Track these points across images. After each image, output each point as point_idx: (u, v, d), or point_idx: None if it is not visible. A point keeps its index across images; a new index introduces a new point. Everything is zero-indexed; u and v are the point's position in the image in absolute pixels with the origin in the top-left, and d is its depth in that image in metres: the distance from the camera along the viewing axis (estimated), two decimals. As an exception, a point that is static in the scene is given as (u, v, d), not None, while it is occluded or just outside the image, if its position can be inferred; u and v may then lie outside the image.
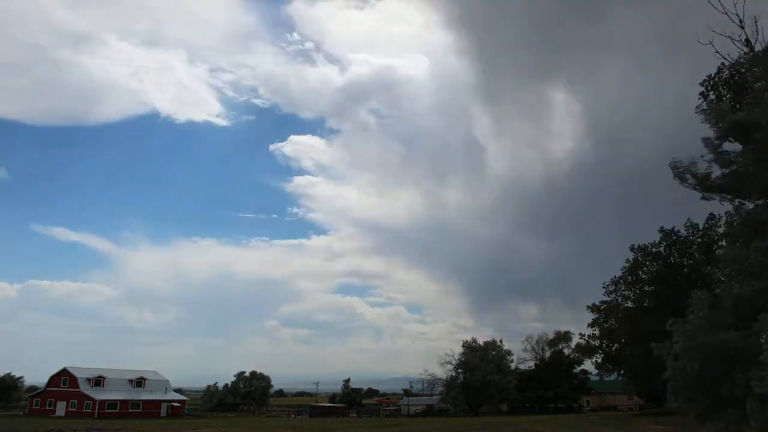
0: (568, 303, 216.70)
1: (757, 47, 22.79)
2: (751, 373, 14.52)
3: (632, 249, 49.99)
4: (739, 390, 15.12)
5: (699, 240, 45.89)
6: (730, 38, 23.70)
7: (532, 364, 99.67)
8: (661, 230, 47.85)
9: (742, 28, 23.24)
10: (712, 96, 28.94)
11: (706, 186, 18.95)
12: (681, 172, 19.03)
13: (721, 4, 23.54)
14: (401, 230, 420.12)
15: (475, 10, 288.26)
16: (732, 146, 19.51)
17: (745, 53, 22.51)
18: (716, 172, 19.07)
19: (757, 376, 14.39)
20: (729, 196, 18.44)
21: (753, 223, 16.82)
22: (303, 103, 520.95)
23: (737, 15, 23.31)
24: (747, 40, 23.55)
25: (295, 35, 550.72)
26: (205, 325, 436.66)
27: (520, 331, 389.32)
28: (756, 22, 23.20)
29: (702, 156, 18.86)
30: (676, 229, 47.74)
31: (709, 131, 19.21)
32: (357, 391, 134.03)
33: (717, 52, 25.13)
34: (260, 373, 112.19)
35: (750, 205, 18.05)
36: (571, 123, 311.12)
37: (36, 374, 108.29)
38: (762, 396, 14.31)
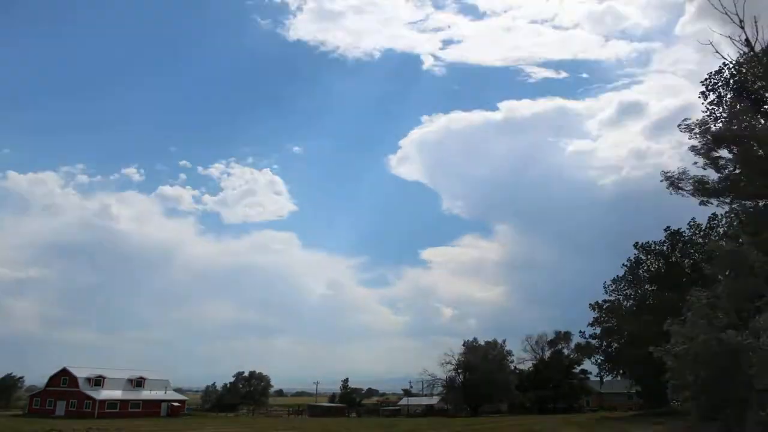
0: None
1: (757, 47, 22.79)
2: (753, 371, 14.57)
3: (635, 246, 49.95)
4: (740, 387, 15.16)
5: (701, 240, 45.85)
6: (730, 38, 23.73)
7: (532, 364, 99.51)
8: (667, 230, 47.78)
9: (742, 28, 23.26)
10: (712, 96, 28.97)
11: (704, 191, 19.04)
12: (675, 181, 19.10)
13: (721, 5, 23.56)
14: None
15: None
16: (722, 152, 19.62)
17: (745, 53, 22.51)
18: (709, 177, 19.17)
19: (758, 372, 14.43)
20: (727, 200, 18.54)
21: (749, 222, 16.90)
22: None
23: (737, 15, 23.33)
24: (747, 40, 23.55)
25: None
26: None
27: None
28: (756, 22, 23.22)
29: (695, 163, 18.98)
30: (680, 230, 47.70)
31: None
32: (357, 391, 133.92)
33: (717, 52, 25.16)
34: (259, 373, 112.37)
35: (748, 205, 18.12)
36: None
37: (36, 374, 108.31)
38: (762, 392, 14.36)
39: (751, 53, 22.49)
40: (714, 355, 16.25)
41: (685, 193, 19.40)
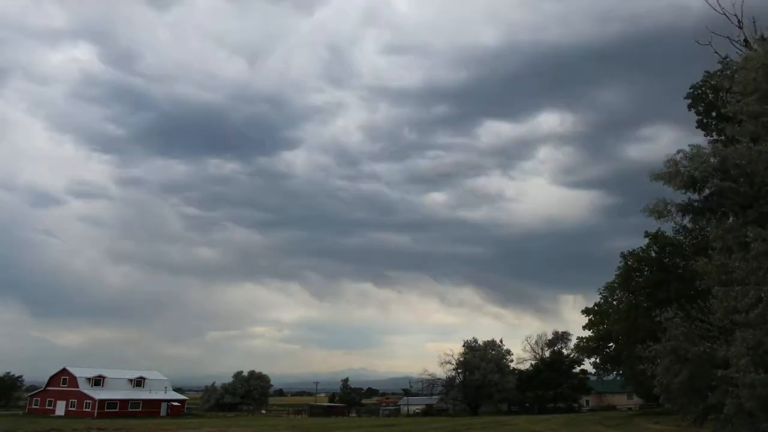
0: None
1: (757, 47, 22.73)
2: (732, 390, 14.72)
3: (623, 255, 49.83)
4: (726, 396, 15.25)
5: (693, 242, 45.55)
6: (729, 39, 23.70)
7: (531, 364, 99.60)
8: (647, 234, 47.41)
9: (741, 28, 23.24)
10: (700, 108, 28.99)
11: (692, 210, 19.02)
12: (660, 210, 19.03)
13: (720, 5, 23.55)
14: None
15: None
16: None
17: (743, 54, 22.46)
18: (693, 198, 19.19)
19: (734, 393, 14.58)
20: (716, 215, 18.54)
21: (736, 236, 16.92)
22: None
23: (735, 15, 23.32)
24: (746, 40, 23.51)
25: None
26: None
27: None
28: (754, 22, 23.20)
29: (676, 189, 18.93)
30: (662, 231, 47.20)
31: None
32: (356, 391, 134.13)
33: (716, 52, 25.14)
34: (259, 373, 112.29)
35: (736, 220, 18.14)
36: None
37: (36, 374, 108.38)
38: (744, 410, 14.47)
39: (746, 52, 22.47)
40: (700, 365, 16.38)
41: (673, 217, 19.37)
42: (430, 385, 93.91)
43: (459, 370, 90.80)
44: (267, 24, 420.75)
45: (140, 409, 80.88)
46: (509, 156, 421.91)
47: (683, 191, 18.51)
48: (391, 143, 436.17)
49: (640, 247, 49.06)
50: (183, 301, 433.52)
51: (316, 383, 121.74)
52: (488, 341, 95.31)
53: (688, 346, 16.66)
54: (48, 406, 79.99)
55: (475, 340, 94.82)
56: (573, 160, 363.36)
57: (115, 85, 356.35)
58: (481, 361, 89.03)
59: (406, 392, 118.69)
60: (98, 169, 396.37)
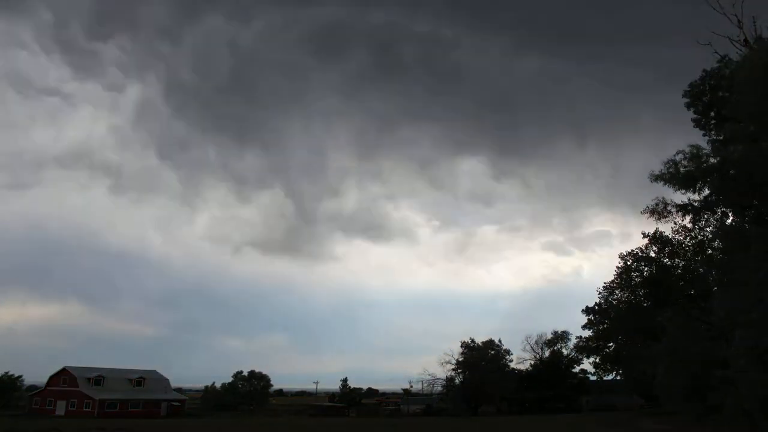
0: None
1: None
2: (731, 390, 14.80)
3: (621, 256, 50.10)
4: (725, 395, 15.32)
5: (693, 242, 45.68)
6: (729, 39, 23.79)
7: (531, 363, 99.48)
8: (645, 235, 47.51)
9: (741, 28, 23.32)
10: (699, 107, 29.12)
11: (691, 210, 19.17)
12: (660, 211, 19.20)
13: (720, 5, 23.63)
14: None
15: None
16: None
17: (742, 53, 22.52)
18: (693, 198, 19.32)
19: (733, 393, 14.64)
20: (716, 214, 18.71)
21: (736, 236, 17.03)
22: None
23: (735, 16, 23.41)
24: (746, 40, 23.59)
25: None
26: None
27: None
28: (754, 22, 23.28)
29: (676, 189, 19.10)
30: (659, 233, 47.29)
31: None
32: (356, 391, 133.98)
33: (716, 52, 25.24)
34: (259, 372, 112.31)
35: (735, 220, 18.26)
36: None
37: (36, 374, 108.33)
38: (744, 409, 14.53)
39: (745, 50, 22.54)
40: (699, 366, 16.48)
41: (673, 215, 19.56)
42: (430, 384, 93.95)
43: (459, 370, 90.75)
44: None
45: (140, 409, 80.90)
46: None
47: (683, 191, 18.64)
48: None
49: (639, 248, 49.33)
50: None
51: (316, 383, 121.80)
52: (487, 341, 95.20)
53: (688, 345, 16.75)
54: (48, 406, 79.98)
55: (473, 340, 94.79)
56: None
57: None
58: (481, 360, 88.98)
59: (406, 392, 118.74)
60: None
